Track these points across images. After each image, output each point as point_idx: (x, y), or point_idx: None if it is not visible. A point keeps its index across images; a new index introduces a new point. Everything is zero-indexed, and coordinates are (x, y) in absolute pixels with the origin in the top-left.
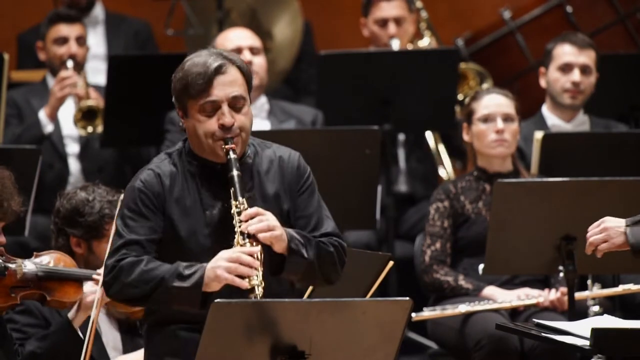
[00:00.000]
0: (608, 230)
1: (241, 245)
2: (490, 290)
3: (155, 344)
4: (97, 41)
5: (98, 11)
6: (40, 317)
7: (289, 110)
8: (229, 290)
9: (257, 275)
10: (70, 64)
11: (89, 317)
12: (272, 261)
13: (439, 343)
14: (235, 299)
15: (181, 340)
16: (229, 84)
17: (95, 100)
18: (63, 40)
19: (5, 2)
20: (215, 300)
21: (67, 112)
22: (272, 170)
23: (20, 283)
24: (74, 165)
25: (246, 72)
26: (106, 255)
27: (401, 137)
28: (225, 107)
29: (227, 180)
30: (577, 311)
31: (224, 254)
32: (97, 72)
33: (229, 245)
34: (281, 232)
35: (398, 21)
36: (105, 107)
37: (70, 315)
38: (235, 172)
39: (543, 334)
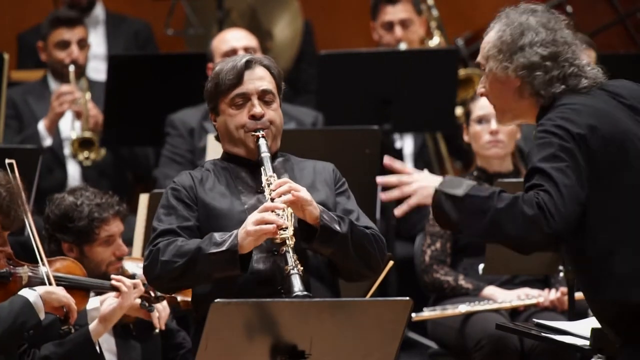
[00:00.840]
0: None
1: None
2: (490, 290)
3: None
4: (97, 41)
5: (98, 11)
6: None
7: (290, 111)
8: (263, 249)
9: (287, 230)
10: (71, 68)
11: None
12: (305, 233)
13: (439, 343)
14: (235, 299)
15: None
16: (258, 79)
17: (91, 132)
18: (65, 45)
19: (5, 2)
20: (215, 300)
21: (66, 116)
22: (307, 169)
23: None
24: (73, 169)
25: (275, 73)
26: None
27: (409, 140)
28: (255, 100)
29: (259, 166)
30: (577, 311)
31: (251, 214)
32: (97, 72)
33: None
34: (310, 198)
35: (404, 24)
36: (105, 107)
37: (91, 327)
38: (264, 154)
39: (543, 334)
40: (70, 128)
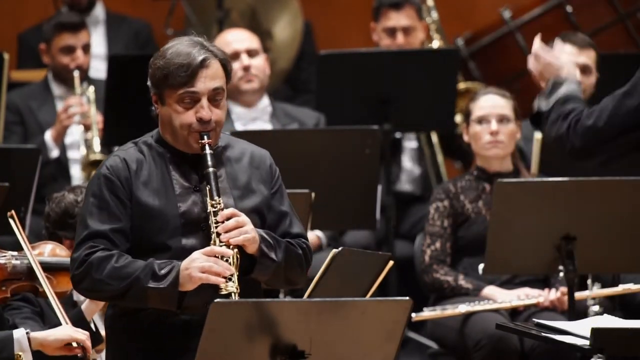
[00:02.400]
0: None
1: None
2: (490, 290)
3: (119, 332)
4: (97, 41)
5: (98, 11)
6: (37, 304)
7: (292, 113)
8: (205, 291)
9: (233, 281)
10: (76, 73)
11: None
12: (243, 261)
13: (439, 343)
14: (235, 299)
15: (145, 327)
16: (210, 77)
17: (101, 154)
18: (69, 50)
19: (5, 2)
20: (215, 300)
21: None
22: (244, 161)
23: (11, 276)
24: (76, 172)
25: (226, 65)
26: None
27: (411, 138)
28: (204, 101)
29: (198, 165)
30: (577, 311)
31: (197, 254)
32: (97, 72)
33: (199, 226)
34: (254, 235)
35: (407, 31)
36: (105, 107)
37: (83, 307)
38: (211, 169)
39: (543, 334)
40: (73, 132)
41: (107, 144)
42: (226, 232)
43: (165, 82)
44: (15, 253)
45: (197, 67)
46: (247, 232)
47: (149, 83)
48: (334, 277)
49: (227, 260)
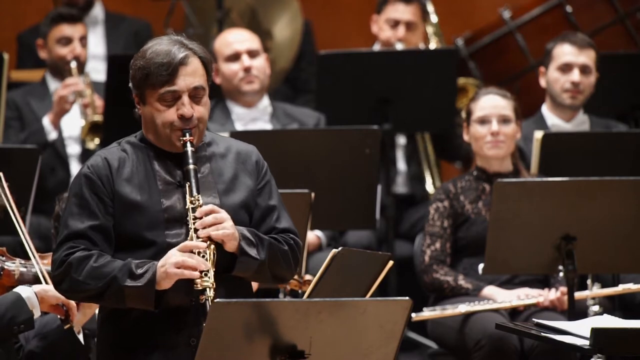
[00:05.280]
0: None
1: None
2: (490, 290)
3: (108, 333)
4: (96, 41)
5: (98, 11)
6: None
7: (292, 113)
8: (182, 287)
9: (209, 277)
10: (73, 64)
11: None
12: (224, 260)
13: (439, 343)
14: (234, 299)
15: (134, 325)
16: (190, 75)
17: (101, 115)
18: (66, 41)
19: (5, 2)
20: (215, 300)
21: (68, 114)
22: (230, 157)
23: (18, 283)
24: (75, 167)
25: (207, 62)
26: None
27: (402, 139)
28: (185, 98)
29: (182, 162)
30: (577, 311)
31: (173, 251)
32: (97, 72)
33: (183, 222)
34: (233, 231)
35: (409, 26)
36: (104, 107)
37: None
38: (191, 166)
39: (543, 334)
40: (72, 126)
41: (107, 144)
42: (204, 228)
43: (147, 81)
44: (23, 261)
45: (178, 65)
46: (226, 228)
47: (130, 84)
48: (334, 277)
49: (203, 256)
